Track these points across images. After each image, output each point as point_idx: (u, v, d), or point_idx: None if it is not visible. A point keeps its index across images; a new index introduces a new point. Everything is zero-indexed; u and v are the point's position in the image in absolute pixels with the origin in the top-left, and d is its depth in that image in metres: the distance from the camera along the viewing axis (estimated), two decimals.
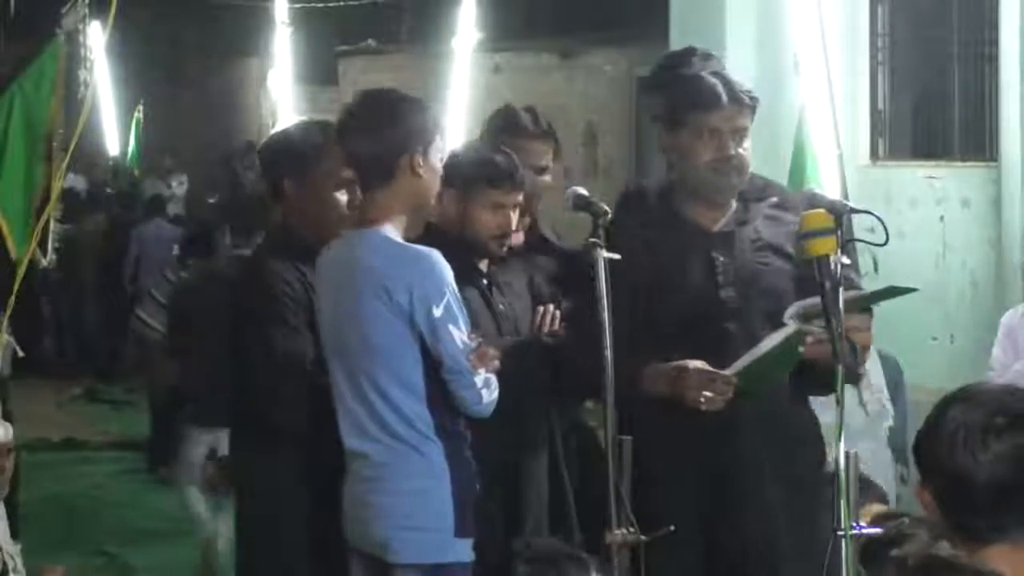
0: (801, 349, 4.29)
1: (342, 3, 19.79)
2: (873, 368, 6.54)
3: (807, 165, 6.86)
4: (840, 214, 4.07)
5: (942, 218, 9.76)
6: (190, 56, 23.82)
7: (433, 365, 4.31)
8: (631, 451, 4.12)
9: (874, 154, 10.51)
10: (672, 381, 4.37)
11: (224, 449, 7.89)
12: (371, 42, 19.92)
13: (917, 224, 9.75)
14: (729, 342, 4.44)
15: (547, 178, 5.15)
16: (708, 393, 4.32)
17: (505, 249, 4.82)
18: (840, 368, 3.88)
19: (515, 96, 6.76)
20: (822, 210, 4.07)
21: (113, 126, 21.27)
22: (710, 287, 4.49)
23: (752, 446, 4.44)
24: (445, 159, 4.57)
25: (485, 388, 4.32)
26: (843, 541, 3.78)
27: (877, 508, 4.61)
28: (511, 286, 4.90)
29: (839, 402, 3.87)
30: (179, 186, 20.22)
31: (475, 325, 4.52)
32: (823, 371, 4.19)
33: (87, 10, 6.11)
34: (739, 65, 9.11)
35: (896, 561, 2.55)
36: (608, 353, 4.11)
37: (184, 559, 8.59)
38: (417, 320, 4.27)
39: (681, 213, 4.58)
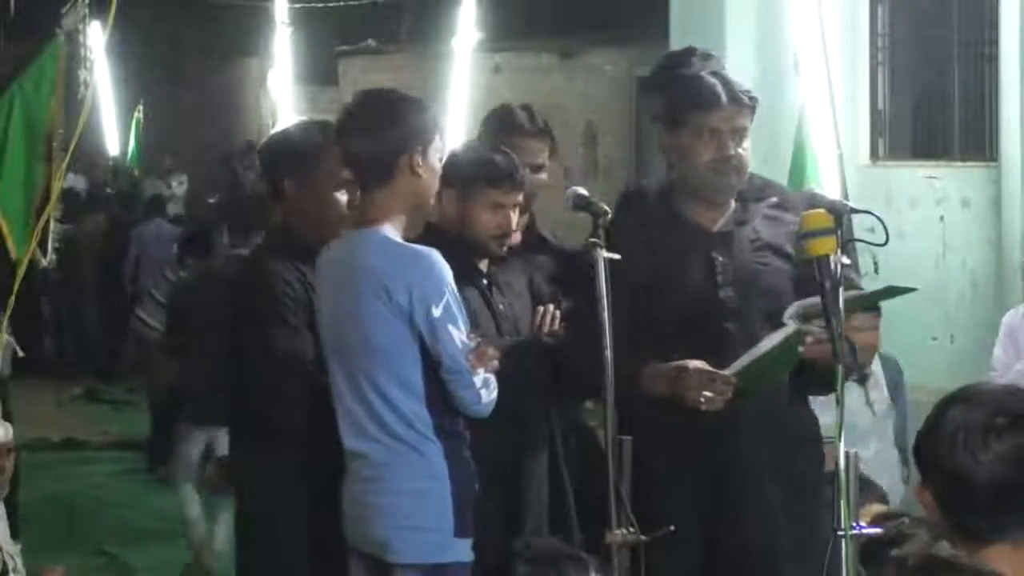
0: (801, 349, 4.29)
1: (342, 3, 19.79)
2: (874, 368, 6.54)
3: (807, 165, 6.86)
4: (840, 214, 4.07)
5: (942, 218, 9.76)
6: (190, 56, 23.81)
7: (432, 365, 4.30)
8: (631, 451, 4.12)
9: (874, 154, 10.51)
10: (672, 381, 4.37)
11: (221, 447, 7.91)
12: (371, 42, 19.92)
13: (917, 224, 9.75)
14: (728, 342, 4.44)
15: (543, 176, 5.15)
16: (708, 393, 4.32)
17: (505, 249, 4.82)
18: (840, 368, 3.88)
19: (515, 96, 6.74)
20: (822, 210, 4.07)
21: (113, 126, 21.27)
22: (710, 287, 4.49)
23: (752, 446, 4.44)
24: (445, 159, 4.57)
25: (484, 388, 4.32)
26: (843, 541, 3.78)
27: (877, 508, 4.60)
28: (511, 286, 4.90)
29: (839, 402, 3.87)
30: (179, 186, 20.22)
31: (475, 325, 4.52)
32: (823, 371, 4.19)
33: (87, 10, 6.11)
34: (739, 65, 9.11)
35: (896, 561, 2.55)
36: (608, 353, 4.11)
37: (184, 559, 8.60)
38: (416, 320, 4.27)
39: (681, 213, 4.58)
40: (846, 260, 4.09)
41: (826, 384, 4.09)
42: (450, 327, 4.27)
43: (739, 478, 4.43)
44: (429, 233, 4.75)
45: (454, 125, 9.47)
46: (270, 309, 4.67)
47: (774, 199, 4.70)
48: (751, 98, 4.54)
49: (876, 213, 4.28)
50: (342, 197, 4.76)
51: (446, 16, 12.14)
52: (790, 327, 4.28)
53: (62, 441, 12.17)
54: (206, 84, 24.18)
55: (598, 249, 4.17)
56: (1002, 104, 9.28)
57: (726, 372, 4.33)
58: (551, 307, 4.80)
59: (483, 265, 4.83)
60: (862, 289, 4.78)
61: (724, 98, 4.47)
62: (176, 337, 8.83)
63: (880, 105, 10.53)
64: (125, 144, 21.30)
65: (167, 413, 9.62)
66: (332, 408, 4.43)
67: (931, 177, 9.90)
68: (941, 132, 10.28)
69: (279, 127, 6.39)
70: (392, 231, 4.36)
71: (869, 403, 6.14)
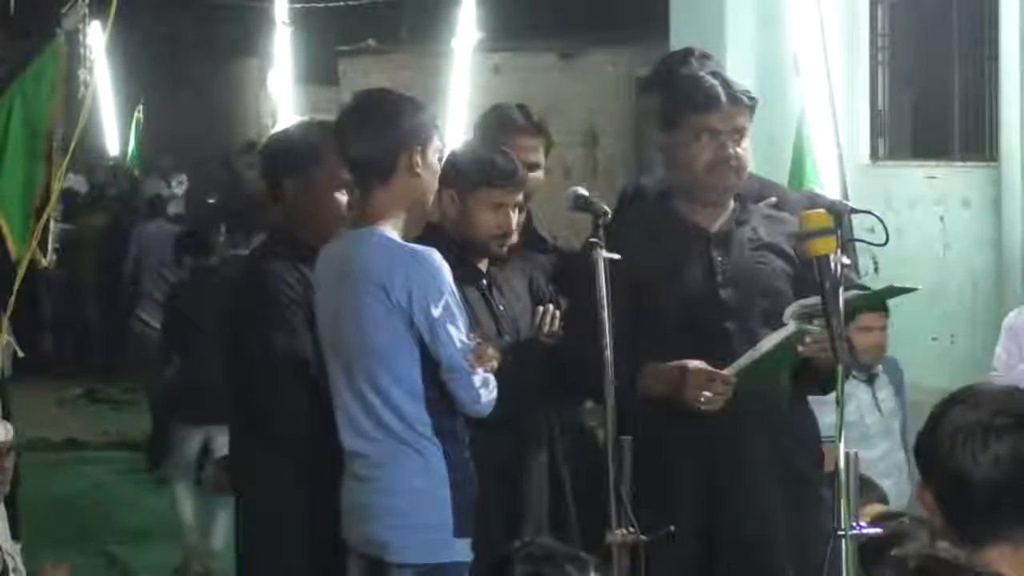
0: (800, 348, 4.29)
1: (342, 3, 19.77)
2: None
3: (807, 165, 6.87)
4: (840, 214, 4.07)
5: (942, 218, 9.76)
6: (190, 56, 23.80)
7: (432, 365, 4.30)
8: (631, 451, 4.12)
9: (874, 154, 10.51)
10: (671, 381, 4.37)
11: (218, 446, 7.92)
12: (371, 42, 19.91)
13: (917, 224, 9.75)
14: (728, 342, 4.44)
15: (540, 174, 5.15)
16: (707, 393, 4.32)
17: (505, 249, 4.82)
18: (840, 368, 3.88)
19: (515, 96, 6.74)
20: (822, 210, 4.07)
21: (113, 126, 21.28)
22: (709, 287, 4.49)
23: (752, 446, 4.43)
24: (444, 159, 4.57)
25: (483, 388, 4.32)
26: (843, 541, 3.78)
27: (877, 508, 4.60)
28: (511, 286, 4.90)
29: (839, 402, 3.87)
30: (179, 186, 20.20)
31: (475, 325, 4.52)
32: (823, 371, 4.19)
33: (87, 10, 6.10)
34: (739, 65, 9.13)
35: (896, 561, 2.55)
36: (608, 353, 4.10)
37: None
38: (416, 320, 4.27)
39: (680, 213, 4.58)
40: (846, 260, 4.09)
41: (826, 384, 4.09)
42: (449, 327, 4.27)
43: (739, 478, 4.43)
44: (429, 233, 4.75)
45: (454, 125, 9.48)
46: (270, 309, 4.67)
47: (773, 199, 4.70)
48: (750, 98, 4.54)
49: (876, 213, 4.28)
50: (342, 197, 4.76)
51: (446, 16, 12.16)
52: (790, 327, 4.28)
53: (62, 441, 12.17)
54: (206, 84, 24.17)
55: (598, 249, 4.17)
56: (1002, 104, 9.28)
57: (726, 372, 4.33)
58: (551, 307, 4.80)
59: (483, 265, 4.83)
60: (865, 289, 4.78)
61: (723, 98, 4.47)
62: (173, 336, 8.83)
63: (880, 105, 10.54)
64: (125, 144, 21.29)
65: (164, 412, 9.62)
66: (332, 408, 4.43)
67: (931, 177, 9.91)
68: (941, 132, 10.28)
69: (279, 127, 6.40)
70: (391, 230, 4.36)
71: (877, 403, 6.12)
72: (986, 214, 9.46)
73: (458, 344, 4.28)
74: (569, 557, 3.26)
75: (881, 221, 4.24)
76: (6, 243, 6.20)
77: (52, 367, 15.01)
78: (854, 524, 3.81)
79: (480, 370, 4.31)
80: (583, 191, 4.41)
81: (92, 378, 14.95)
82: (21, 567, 5.47)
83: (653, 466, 4.27)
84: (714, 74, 4.54)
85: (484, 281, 4.82)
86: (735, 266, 4.51)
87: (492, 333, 4.69)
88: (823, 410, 4.61)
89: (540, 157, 5.18)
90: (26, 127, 6.20)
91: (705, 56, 4.64)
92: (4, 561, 5.36)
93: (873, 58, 10.49)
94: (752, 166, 4.65)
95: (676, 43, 9.42)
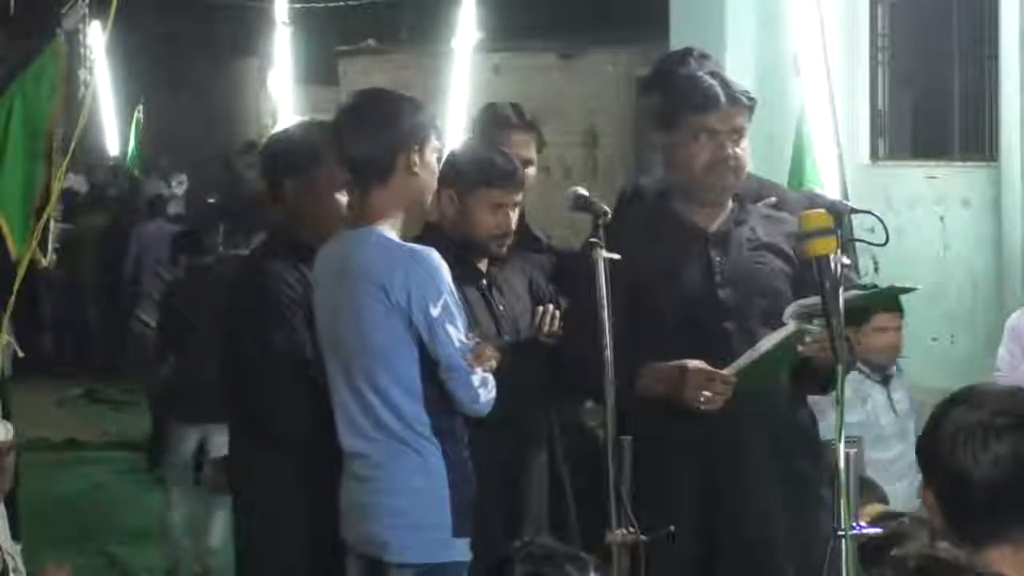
0: (800, 348, 4.29)
1: (342, 3, 19.78)
2: None
3: (807, 165, 6.87)
4: (840, 214, 4.06)
5: (942, 218, 9.77)
6: (190, 56, 23.81)
7: (431, 364, 4.30)
8: (631, 451, 4.12)
9: (874, 154, 10.53)
10: (671, 381, 4.36)
11: (215, 444, 7.92)
12: (371, 42, 19.92)
13: (917, 224, 9.76)
14: (727, 341, 4.43)
15: (532, 170, 5.16)
16: (707, 393, 4.32)
17: (505, 249, 4.82)
18: (840, 368, 3.87)
19: (515, 96, 6.75)
20: (822, 210, 4.06)
21: (113, 126, 21.27)
22: (708, 286, 4.49)
23: (752, 446, 4.43)
24: (444, 159, 4.57)
25: (482, 387, 4.32)
26: (843, 541, 3.78)
27: (877, 508, 4.60)
28: (511, 286, 4.90)
29: (839, 402, 3.87)
30: (179, 186, 20.20)
31: (475, 325, 4.52)
32: (822, 370, 4.19)
33: (87, 10, 6.09)
34: (739, 65, 9.14)
35: (896, 561, 2.54)
36: (608, 353, 4.10)
37: (184, 560, 8.60)
38: (415, 319, 4.27)
39: (678, 213, 4.57)
40: (846, 260, 4.09)
41: (826, 383, 4.08)
42: (448, 326, 4.27)
43: (739, 478, 4.43)
44: (428, 233, 4.76)
45: (454, 125, 9.47)
46: (270, 309, 4.67)
47: (772, 199, 4.69)
48: (749, 98, 4.53)
49: (876, 213, 4.28)
50: (342, 198, 4.76)
51: (446, 16, 12.15)
52: (790, 326, 4.28)
53: (62, 441, 12.17)
54: (206, 84, 24.18)
55: (598, 249, 4.17)
56: (1002, 104, 9.29)
57: (725, 372, 4.33)
58: (551, 307, 4.80)
59: (483, 265, 4.83)
60: (866, 289, 4.77)
61: (722, 98, 4.46)
62: (168, 335, 8.82)
63: (880, 105, 10.55)
64: (125, 144, 21.30)
65: (160, 411, 9.62)
66: (331, 408, 4.43)
67: (931, 177, 9.91)
68: (941, 132, 10.29)
69: (279, 127, 6.40)
70: (389, 230, 4.36)
71: (892, 404, 6.10)
72: (986, 214, 9.47)
73: (457, 344, 4.28)
74: (569, 557, 3.26)
75: (881, 221, 4.23)
76: (6, 243, 6.19)
77: (52, 367, 15.01)
78: (854, 524, 3.80)
79: (479, 370, 4.31)
80: (583, 191, 4.41)
81: (92, 378, 14.95)
82: (21, 567, 5.46)
83: (653, 466, 4.26)
84: (713, 74, 4.54)
85: (484, 281, 4.82)
86: (733, 266, 4.51)
87: (492, 333, 4.69)
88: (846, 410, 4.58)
89: (532, 153, 5.22)
90: (26, 127, 6.19)
91: (704, 56, 4.63)
92: (4, 561, 5.36)
93: (873, 58, 10.50)
94: (752, 166, 4.65)
95: (676, 43, 9.43)
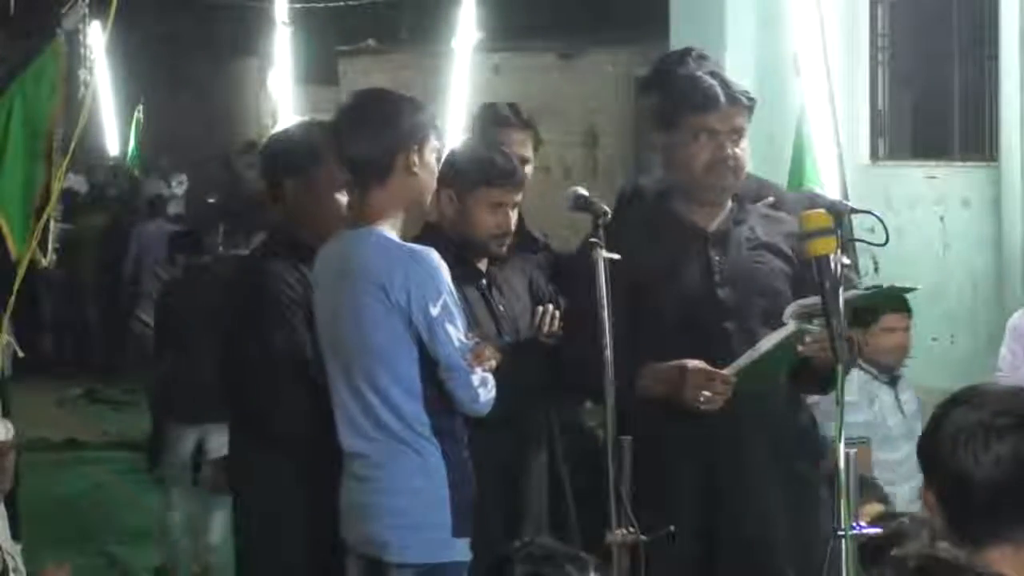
0: (800, 348, 4.28)
1: (342, 3, 19.77)
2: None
3: (807, 165, 6.87)
4: (840, 214, 4.06)
5: (942, 218, 9.77)
6: (190, 56, 23.81)
7: (430, 364, 4.30)
8: (631, 451, 4.12)
9: (874, 154, 10.53)
10: (671, 381, 4.36)
11: (213, 444, 7.92)
12: (371, 42, 19.92)
13: (917, 224, 9.76)
14: (727, 341, 4.43)
15: (528, 168, 5.17)
16: (707, 393, 4.32)
17: (504, 249, 4.83)
18: (840, 368, 3.87)
19: (515, 96, 6.75)
20: (822, 210, 4.06)
21: (113, 126, 21.27)
22: (707, 286, 4.49)
23: (751, 446, 4.43)
24: (443, 159, 4.57)
25: (482, 387, 4.32)
26: (843, 541, 3.78)
27: (877, 508, 4.60)
28: (511, 286, 4.90)
29: (839, 402, 3.87)
30: (179, 186, 20.20)
31: (475, 325, 4.52)
32: (822, 370, 4.19)
33: (87, 10, 6.09)
34: (739, 65, 9.14)
35: (896, 561, 2.54)
36: (608, 353, 4.10)
37: (184, 560, 8.59)
38: (414, 319, 4.27)
39: (678, 213, 4.57)
40: (846, 260, 4.09)
41: (825, 383, 4.08)
42: (448, 326, 4.27)
43: (739, 478, 4.43)
44: (428, 233, 4.76)
45: (454, 125, 9.47)
46: (270, 309, 4.67)
47: (771, 199, 4.69)
48: (749, 98, 4.54)
49: (876, 213, 4.28)
50: (342, 198, 4.76)
51: (446, 16, 12.15)
52: (790, 326, 4.27)
53: (62, 441, 12.17)
54: (206, 84, 24.18)
55: (598, 249, 4.17)
56: (1002, 104, 9.29)
57: (725, 372, 4.33)
58: (551, 307, 4.80)
59: (482, 265, 4.83)
60: (866, 288, 4.78)
61: (722, 98, 4.46)
62: (165, 334, 8.82)
63: (880, 105, 10.55)
64: (125, 144, 21.29)
65: (159, 411, 9.61)
66: (331, 408, 4.43)
67: (931, 177, 9.91)
68: (941, 132, 10.29)
69: (279, 127, 6.40)
70: (389, 230, 4.36)
71: (900, 405, 6.08)
72: (986, 214, 9.47)
73: (456, 343, 4.28)
74: (569, 557, 3.26)
75: (881, 221, 4.24)
76: (6, 243, 6.19)
77: (52, 367, 15.01)
78: (854, 524, 3.80)
79: (478, 369, 4.31)
80: (583, 191, 4.41)
81: (92, 378, 14.95)
82: (21, 567, 5.46)
83: (653, 466, 4.26)
84: (712, 74, 4.54)
85: (484, 281, 4.82)
86: (732, 266, 4.51)
87: (492, 333, 4.69)
88: (851, 412, 4.58)
89: (529, 152, 5.23)
90: (26, 127, 6.19)
91: (703, 56, 4.63)
92: (4, 561, 5.36)
93: (873, 58, 10.50)
94: (751, 166, 4.65)
95: (676, 43, 9.43)
